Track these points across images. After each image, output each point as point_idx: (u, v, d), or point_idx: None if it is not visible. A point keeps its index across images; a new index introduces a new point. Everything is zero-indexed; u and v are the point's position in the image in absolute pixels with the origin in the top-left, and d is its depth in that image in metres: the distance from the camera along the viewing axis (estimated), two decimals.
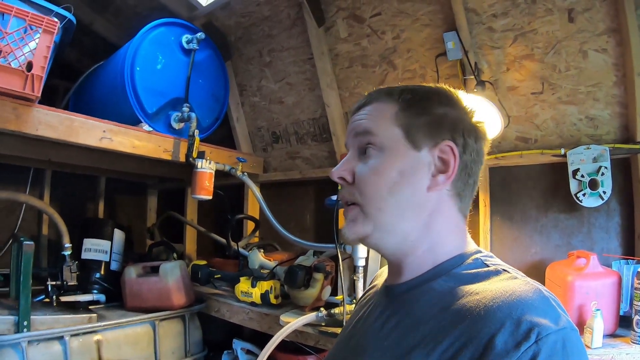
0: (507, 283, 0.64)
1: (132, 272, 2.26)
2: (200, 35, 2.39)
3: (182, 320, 2.27)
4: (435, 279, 0.74)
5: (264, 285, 2.13)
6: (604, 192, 1.80)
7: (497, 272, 0.70)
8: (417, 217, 0.76)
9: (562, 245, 1.97)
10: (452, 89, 0.84)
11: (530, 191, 2.08)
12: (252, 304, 2.17)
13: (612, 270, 1.68)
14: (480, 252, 0.78)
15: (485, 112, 1.90)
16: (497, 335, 0.56)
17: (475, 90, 1.95)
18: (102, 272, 2.40)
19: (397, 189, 0.75)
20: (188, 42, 2.41)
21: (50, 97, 2.59)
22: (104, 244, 2.45)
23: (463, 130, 0.78)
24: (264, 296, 2.12)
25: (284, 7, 2.41)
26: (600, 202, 1.81)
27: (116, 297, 2.30)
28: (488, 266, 0.72)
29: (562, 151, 1.91)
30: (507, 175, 2.15)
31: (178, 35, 2.40)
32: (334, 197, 2.09)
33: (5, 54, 1.64)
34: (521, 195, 2.11)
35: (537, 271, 1.93)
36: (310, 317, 1.83)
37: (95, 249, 2.42)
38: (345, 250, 1.90)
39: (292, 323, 1.80)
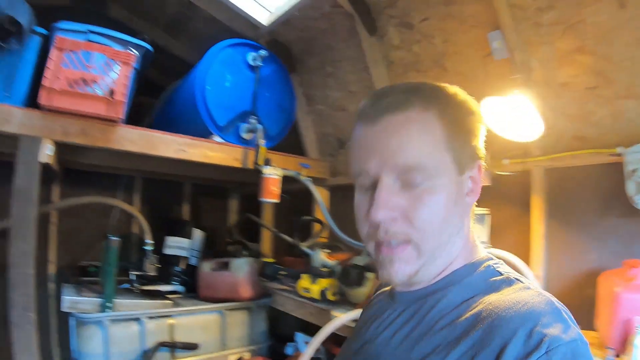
0: (520, 294, 0.65)
1: (206, 267, 2.55)
2: (263, 52, 2.61)
3: (249, 311, 2.51)
4: (448, 287, 0.73)
5: (323, 283, 2.27)
6: None
7: (509, 282, 0.70)
8: (457, 241, 0.75)
9: (621, 253, 1.80)
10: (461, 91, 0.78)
11: (587, 194, 1.96)
12: (312, 299, 2.31)
13: None
14: (491, 259, 0.78)
15: (525, 115, 1.89)
16: (509, 345, 0.57)
17: (517, 90, 1.92)
18: (182, 266, 2.71)
19: (449, 220, 0.71)
20: (253, 59, 2.64)
21: (138, 113, 2.96)
22: (184, 241, 2.78)
23: (482, 141, 0.77)
24: (323, 293, 2.26)
25: (338, 20, 2.53)
26: None
27: (193, 289, 2.60)
28: (501, 274, 0.73)
29: (618, 150, 1.76)
30: (563, 176, 2.05)
31: (244, 53, 2.64)
32: None
33: (91, 83, 1.97)
34: (578, 198, 2.01)
35: (591, 280, 1.82)
36: (357, 313, 1.94)
37: (177, 246, 2.75)
38: None
39: (339, 318, 1.93)
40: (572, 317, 0.63)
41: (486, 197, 2.33)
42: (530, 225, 2.11)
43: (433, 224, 0.69)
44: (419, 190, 0.69)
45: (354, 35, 2.54)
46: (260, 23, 2.68)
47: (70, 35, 2.06)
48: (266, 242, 3.39)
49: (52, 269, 2.77)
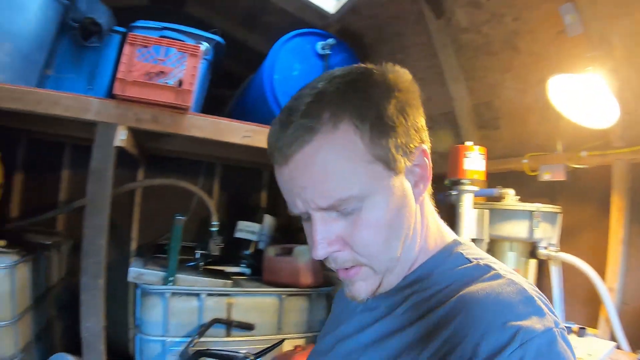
0: (491, 284, 0.62)
1: (271, 251, 2.64)
2: (331, 40, 2.62)
3: (308, 298, 2.54)
4: (418, 282, 0.71)
5: None
6: None
7: (479, 269, 0.66)
8: (415, 237, 0.71)
9: None
10: (377, 69, 0.69)
11: None
12: None
13: None
14: (458, 243, 0.74)
15: (601, 97, 1.66)
16: (482, 341, 0.55)
17: (589, 69, 1.69)
18: (251, 250, 2.84)
19: (397, 229, 0.67)
20: (322, 48, 2.66)
21: (218, 104, 3.14)
22: (255, 226, 2.90)
23: (418, 118, 0.69)
24: None
25: (405, 4, 2.45)
26: None
27: (260, 272, 2.70)
28: (470, 261, 0.69)
29: None
30: None
31: (313, 42, 2.66)
32: (442, 195, 2.10)
33: (161, 75, 2.14)
34: None
35: None
36: None
37: (247, 230, 2.89)
38: None
39: None
40: (548, 302, 0.60)
41: (559, 194, 2.13)
42: (609, 228, 1.88)
43: (378, 246, 0.65)
44: (355, 216, 0.64)
45: (421, 20, 2.44)
46: (327, 12, 2.68)
47: (146, 32, 2.26)
48: None
49: (133, 245, 3.07)
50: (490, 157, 2.36)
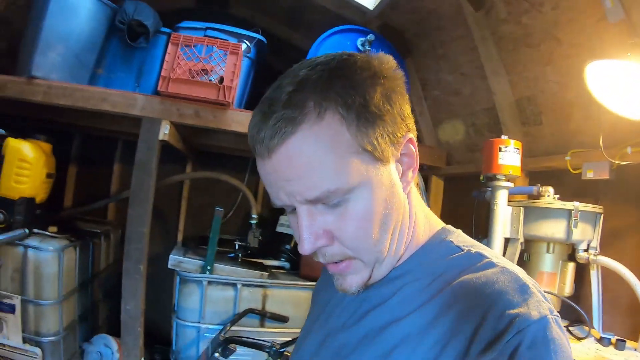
0: (485, 273, 0.62)
1: None
2: (370, 36, 2.62)
3: None
4: (410, 272, 0.70)
5: None
6: None
7: (472, 258, 0.66)
8: (403, 227, 0.70)
9: None
10: (360, 55, 0.67)
11: None
12: None
13: None
14: (447, 231, 0.74)
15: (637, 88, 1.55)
16: (480, 330, 0.56)
17: (630, 55, 1.57)
18: (292, 245, 2.89)
19: (386, 220, 0.66)
20: (362, 44, 2.67)
21: None
22: None
23: (405, 105, 0.68)
24: None
25: None
26: None
27: (299, 266, 2.74)
28: (462, 249, 0.69)
29: None
30: None
31: (353, 39, 2.68)
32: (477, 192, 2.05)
33: (203, 72, 2.24)
34: None
35: None
36: None
37: (288, 224, 2.93)
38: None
39: None
40: (540, 288, 0.61)
41: (602, 194, 2.00)
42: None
43: (366, 240, 0.64)
44: (342, 209, 0.63)
45: (460, 13, 2.38)
46: (367, 8, 2.69)
47: (190, 32, 2.38)
48: None
49: (180, 237, 3.21)
50: (532, 155, 2.27)
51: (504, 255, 1.80)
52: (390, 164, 0.65)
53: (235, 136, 2.56)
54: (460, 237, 0.72)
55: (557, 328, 0.57)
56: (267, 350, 1.87)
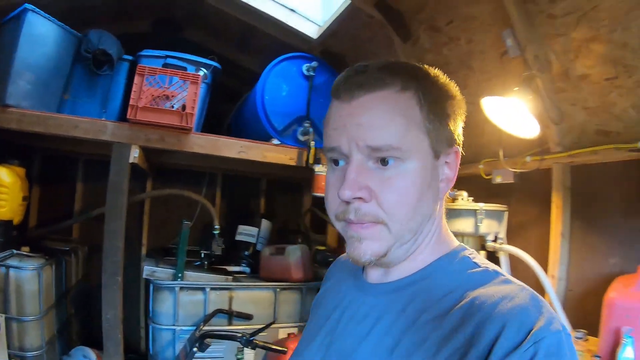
0: (504, 288, 0.66)
1: (266, 251, 2.97)
2: (314, 63, 2.95)
3: (300, 291, 2.87)
4: (426, 279, 0.73)
5: None
6: None
7: (489, 274, 0.70)
8: (427, 226, 0.74)
9: None
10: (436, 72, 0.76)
11: (612, 193, 1.91)
12: None
13: None
14: (464, 248, 0.77)
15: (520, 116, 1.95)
16: (499, 339, 0.59)
17: (516, 90, 1.93)
18: (250, 251, 3.18)
19: (422, 204, 0.70)
20: (307, 69, 3.00)
21: (219, 119, 3.49)
22: (253, 230, 3.24)
23: (459, 127, 0.75)
24: None
25: (378, 28, 2.75)
26: None
27: (258, 270, 3.03)
28: (478, 266, 0.72)
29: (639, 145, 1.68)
30: (587, 174, 2.03)
31: (299, 65, 2.99)
32: None
33: (167, 100, 2.48)
34: (602, 198, 1.96)
35: (608, 285, 1.69)
36: None
37: (246, 233, 3.23)
38: None
39: None
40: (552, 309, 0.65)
41: (508, 195, 2.44)
42: (551, 224, 2.14)
43: (403, 208, 0.68)
44: (390, 173, 0.67)
45: (391, 42, 2.75)
46: (310, 37, 3.02)
47: (151, 61, 2.60)
48: (332, 232, 3.70)
49: (144, 250, 3.42)
50: None
51: None
52: (438, 161, 0.72)
53: (193, 155, 2.79)
54: (477, 256, 0.75)
55: (570, 343, 0.61)
56: (239, 339, 2.13)
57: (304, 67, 2.99)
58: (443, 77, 0.74)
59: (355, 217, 0.68)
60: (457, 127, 0.74)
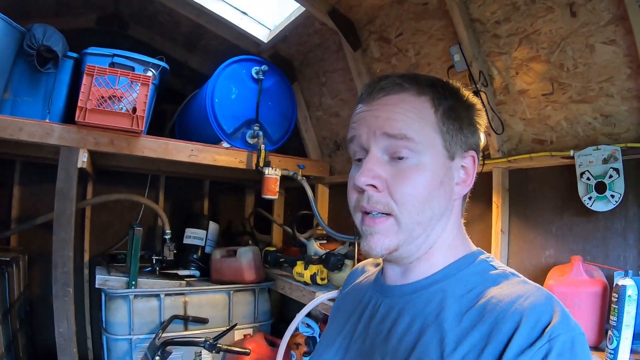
0: (520, 288, 0.69)
1: (217, 254, 2.97)
2: (264, 67, 2.98)
3: (253, 293, 2.91)
4: (444, 281, 0.76)
5: (313, 269, 2.58)
6: (612, 196, 1.71)
7: (506, 276, 0.73)
8: (440, 225, 0.78)
9: (577, 250, 1.91)
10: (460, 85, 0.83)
11: (547, 194, 2.11)
12: (304, 283, 2.63)
13: (598, 279, 1.61)
14: (481, 252, 0.81)
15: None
16: (515, 336, 0.62)
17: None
18: (199, 254, 3.15)
19: (433, 200, 0.74)
20: (256, 73, 3.02)
21: (162, 120, 3.41)
22: (201, 232, 3.22)
23: (477, 136, 0.80)
24: (313, 277, 2.57)
25: (328, 35, 2.85)
26: (611, 206, 1.72)
27: (207, 273, 3.02)
28: (496, 268, 0.76)
29: (572, 153, 1.87)
30: (524, 177, 2.21)
31: (248, 68, 3.01)
32: None
33: (117, 102, 2.39)
34: (537, 198, 2.15)
35: (544, 274, 1.89)
36: (333, 293, 2.22)
37: (194, 236, 3.19)
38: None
39: (319, 297, 2.27)
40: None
41: None
42: (492, 221, 2.32)
43: (414, 200, 0.72)
44: (404, 165, 0.73)
45: (341, 49, 2.84)
46: (261, 40, 3.04)
47: (98, 59, 2.49)
48: (277, 233, 3.76)
49: (86, 257, 3.26)
50: None
51: None
52: (452, 162, 0.77)
53: (140, 157, 2.70)
54: (495, 261, 0.79)
55: (584, 342, 0.63)
56: (202, 345, 2.14)
57: (253, 70, 3.01)
58: (463, 90, 0.82)
59: (368, 204, 0.74)
60: (475, 135, 0.80)
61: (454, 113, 0.77)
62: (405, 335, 0.72)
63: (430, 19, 2.34)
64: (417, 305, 0.75)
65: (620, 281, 1.43)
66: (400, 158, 0.73)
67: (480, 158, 0.85)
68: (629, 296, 1.39)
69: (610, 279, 1.64)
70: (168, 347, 2.16)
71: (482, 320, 0.66)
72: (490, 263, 0.77)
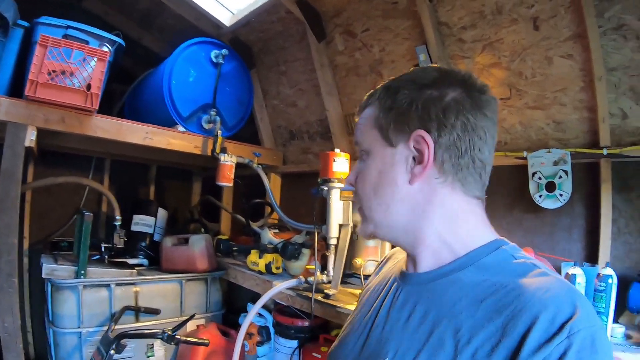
0: (541, 280, 0.67)
1: (168, 242, 2.87)
2: (225, 51, 2.91)
3: (205, 282, 2.84)
4: (462, 270, 0.75)
5: (268, 258, 2.57)
6: (561, 195, 1.86)
7: (527, 267, 0.71)
8: (406, 210, 0.79)
9: (526, 244, 1.97)
10: (429, 67, 0.86)
11: (499, 191, 2.21)
12: (259, 272, 2.61)
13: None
14: (504, 242, 0.79)
15: None
16: (532, 330, 0.60)
17: None
18: (147, 242, 3.03)
19: (379, 189, 0.81)
20: (215, 56, 2.93)
21: (110, 99, 3.22)
22: (149, 219, 3.09)
23: (437, 111, 0.76)
24: (268, 266, 2.56)
25: (292, 24, 2.83)
26: (559, 204, 1.87)
27: (157, 262, 2.91)
28: (516, 259, 0.74)
29: (525, 154, 2.00)
30: None
31: (208, 51, 2.92)
32: (316, 189, 2.52)
33: (70, 77, 2.23)
34: (490, 194, 2.29)
35: None
36: (292, 282, 2.19)
37: (143, 223, 3.06)
38: (321, 230, 2.32)
39: (277, 286, 2.25)
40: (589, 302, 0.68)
41: None
42: None
43: (364, 190, 0.83)
44: (362, 165, 0.85)
45: (304, 39, 2.84)
46: (223, 23, 2.96)
47: (50, 29, 2.30)
48: (225, 221, 3.70)
49: (25, 244, 3.04)
50: (356, 158, 2.89)
51: (338, 236, 2.21)
52: (396, 148, 0.80)
53: (87, 138, 2.54)
54: (517, 250, 0.77)
55: (605, 338, 0.60)
56: (159, 337, 2.06)
57: (213, 53, 2.94)
58: (417, 71, 0.84)
59: (355, 198, 0.88)
60: (426, 112, 0.76)
61: (388, 101, 0.81)
62: (422, 324, 0.73)
63: (398, 17, 2.39)
64: (433, 295, 0.75)
65: (570, 270, 1.58)
66: (362, 161, 0.86)
67: None
68: (578, 283, 1.54)
69: (558, 269, 1.79)
70: (123, 340, 2.07)
71: (499, 312, 0.65)
72: (512, 253, 0.75)
